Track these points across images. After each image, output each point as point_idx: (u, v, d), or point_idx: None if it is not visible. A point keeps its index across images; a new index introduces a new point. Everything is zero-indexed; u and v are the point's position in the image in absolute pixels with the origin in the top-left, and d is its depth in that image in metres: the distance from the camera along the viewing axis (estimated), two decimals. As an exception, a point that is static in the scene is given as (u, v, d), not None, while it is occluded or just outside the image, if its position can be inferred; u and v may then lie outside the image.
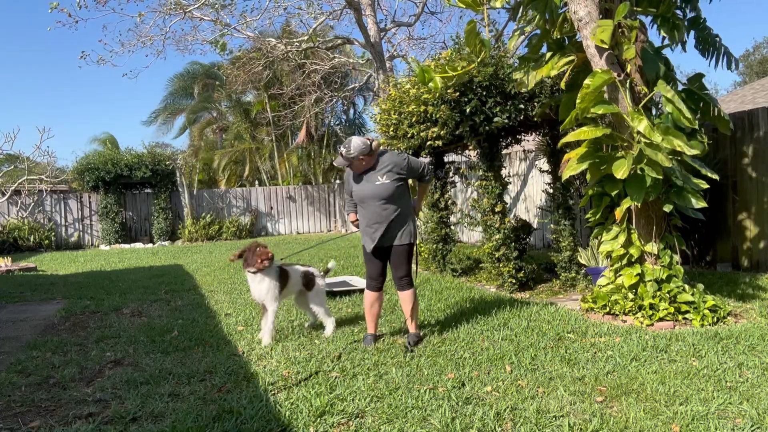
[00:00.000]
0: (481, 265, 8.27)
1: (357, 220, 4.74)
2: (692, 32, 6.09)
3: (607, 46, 4.89)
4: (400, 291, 4.65)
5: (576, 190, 7.15)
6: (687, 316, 4.96)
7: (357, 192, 4.57)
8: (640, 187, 4.84)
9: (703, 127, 5.55)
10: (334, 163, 4.85)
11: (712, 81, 49.32)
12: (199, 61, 25.77)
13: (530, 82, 5.71)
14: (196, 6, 13.23)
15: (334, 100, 19.06)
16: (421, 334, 4.78)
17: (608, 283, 5.45)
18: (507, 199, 11.36)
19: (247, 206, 20.59)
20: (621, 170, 4.71)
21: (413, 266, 4.79)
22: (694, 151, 4.74)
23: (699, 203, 5.03)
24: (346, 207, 4.92)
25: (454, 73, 5.72)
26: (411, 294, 4.61)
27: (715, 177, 5.14)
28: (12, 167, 19.57)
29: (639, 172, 4.84)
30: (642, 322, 4.95)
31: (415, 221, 4.78)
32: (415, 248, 4.68)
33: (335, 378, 3.74)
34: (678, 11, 5.79)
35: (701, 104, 5.57)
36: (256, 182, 22.74)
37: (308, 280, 5.11)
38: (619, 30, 5.05)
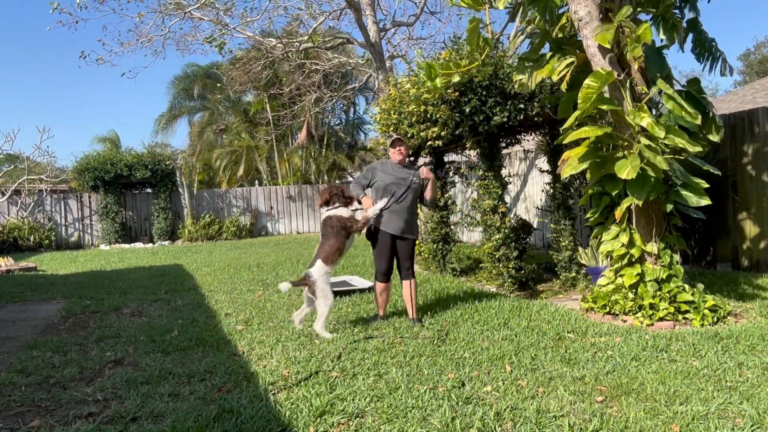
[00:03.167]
0: (481, 265, 8.27)
1: (372, 199, 5.27)
2: (690, 35, 6.09)
3: (609, 47, 4.88)
4: (406, 280, 5.33)
5: (576, 190, 7.15)
6: (687, 315, 4.96)
7: (394, 178, 5.25)
8: (642, 186, 4.83)
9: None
10: (392, 137, 5.49)
11: (712, 81, 49.31)
12: (198, 62, 25.83)
13: (531, 84, 5.72)
14: (195, 6, 13.23)
15: (334, 100, 19.05)
16: (422, 322, 5.28)
17: (608, 283, 5.45)
18: (507, 199, 11.35)
19: (247, 206, 20.59)
20: (625, 170, 4.70)
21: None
22: (697, 149, 4.74)
23: (702, 201, 5.01)
24: (356, 191, 5.31)
25: (459, 70, 5.73)
26: (415, 282, 5.38)
27: (717, 172, 5.14)
28: (12, 167, 19.58)
29: (640, 171, 4.84)
30: (642, 322, 4.95)
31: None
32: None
33: (335, 378, 3.74)
34: (676, 11, 5.79)
35: (699, 106, 5.57)
36: (256, 182, 22.74)
37: None
38: (620, 30, 5.05)
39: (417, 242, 10.66)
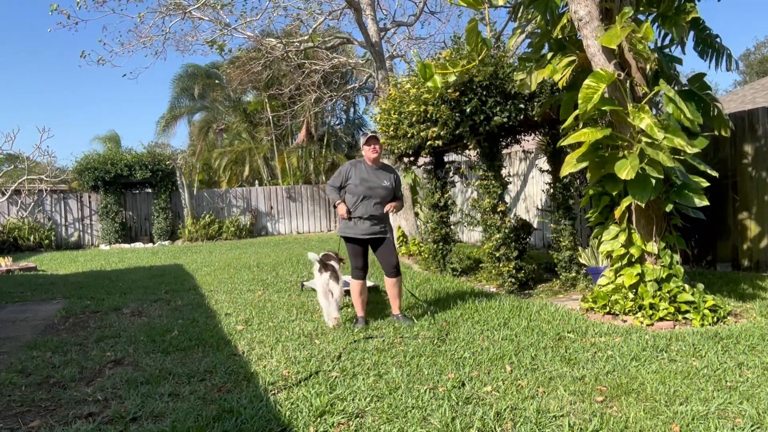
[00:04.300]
0: (481, 265, 8.27)
1: (346, 208, 5.20)
2: (691, 33, 6.08)
3: (616, 49, 4.88)
4: (393, 277, 5.28)
5: (576, 190, 7.14)
6: (687, 315, 4.96)
7: (365, 186, 5.13)
8: (644, 186, 4.82)
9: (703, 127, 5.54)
10: (367, 135, 5.29)
11: (712, 80, 49.26)
12: (198, 62, 25.84)
13: (532, 84, 5.72)
14: (195, 6, 13.22)
15: (334, 100, 19.04)
16: (412, 320, 5.31)
17: (608, 283, 5.45)
18: (507, 199, 11.35)
19: (247, 206, 20.59)
20: (625, 170, 4.70)
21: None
22: (695, 150, 4.73)
23: (702, 201, 5.01)
24: (332, 195, 5.29)
25: (455, 70, 5.72)
26: (400, 279, 5.39)
27: (714, 174, 5.13)
28: (12, 167, 19.57)
29: (641, 171, 4.83)
30: (642, 322, 4.94)
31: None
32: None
33: (335, 378, 3.74)
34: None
35: (702, 105, 5.56)
36: (256, 182, 22.74)
37: None
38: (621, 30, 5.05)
39: (417, 241, 10.74)
